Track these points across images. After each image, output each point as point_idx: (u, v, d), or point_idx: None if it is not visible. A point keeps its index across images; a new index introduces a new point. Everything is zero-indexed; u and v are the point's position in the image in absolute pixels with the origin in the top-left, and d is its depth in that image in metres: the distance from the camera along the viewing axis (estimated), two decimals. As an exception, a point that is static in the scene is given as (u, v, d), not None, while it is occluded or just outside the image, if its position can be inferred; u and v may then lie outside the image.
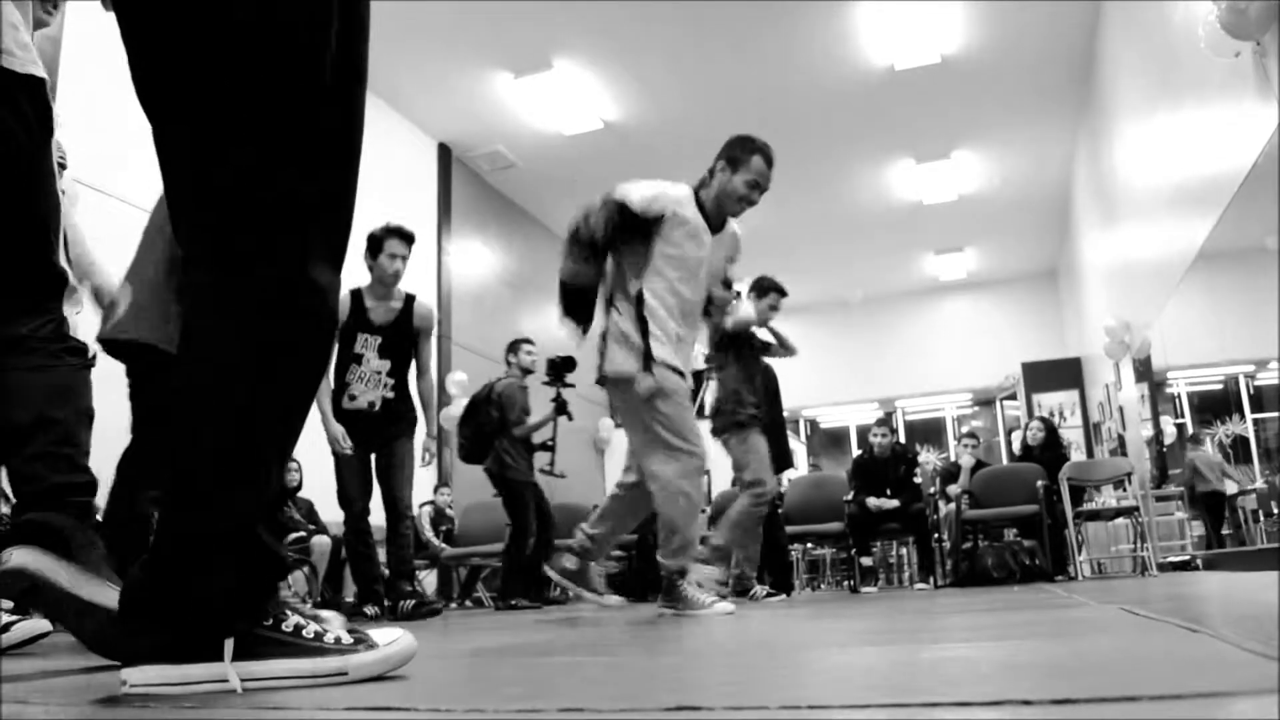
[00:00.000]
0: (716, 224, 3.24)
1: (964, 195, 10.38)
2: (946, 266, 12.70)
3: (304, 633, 1.12)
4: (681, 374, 3.09)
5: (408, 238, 4.41)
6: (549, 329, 7.22)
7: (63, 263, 1.78)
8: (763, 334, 5.22)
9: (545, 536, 5.63)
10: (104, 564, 1.58)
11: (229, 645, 1.07)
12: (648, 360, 3.01)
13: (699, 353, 5.40)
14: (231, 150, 1.07)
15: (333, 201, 1.16)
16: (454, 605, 7.20)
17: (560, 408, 5.72)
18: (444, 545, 7.08)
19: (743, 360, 5.00)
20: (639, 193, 3.08)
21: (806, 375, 9.86)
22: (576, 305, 3.14)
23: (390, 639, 1.16)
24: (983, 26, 7.28)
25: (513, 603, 5.44)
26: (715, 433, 4.85)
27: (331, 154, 1.15)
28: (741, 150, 3.24)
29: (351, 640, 1.13)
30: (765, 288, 5.24)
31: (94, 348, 2.45)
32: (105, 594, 1.47)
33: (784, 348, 5.33)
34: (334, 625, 1.17)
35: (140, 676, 1.06)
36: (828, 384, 12.98)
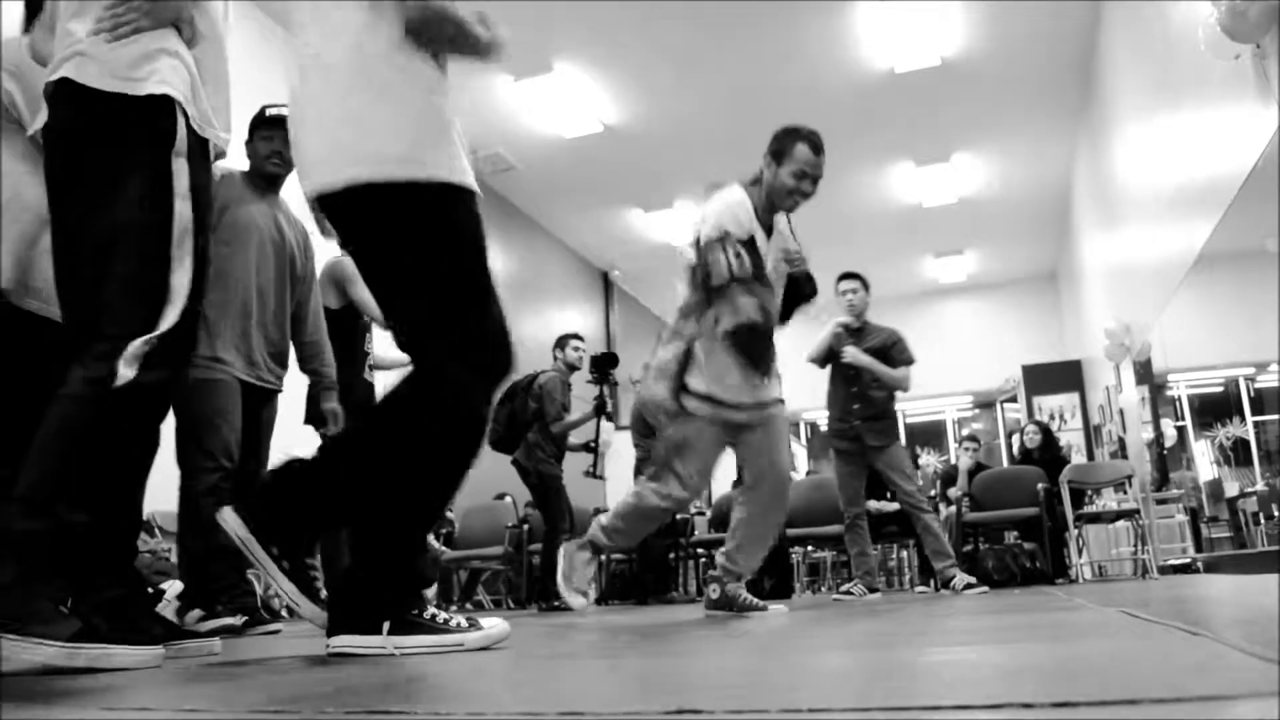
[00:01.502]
0: (769, 223, 3.10)
1: (964, 198, 10.39)
2: (946, 269, 12.69)
3: (437, 619, 1.70)
4: (729, 403, 3.01)
5: None
6: (548, 331, 7.23)
7: None
8: (850, 355, 5.06)
9: (568, 534, 5.61)
10: None
11: (386, 626, 1.64)
12: (679, 389, 2.97)
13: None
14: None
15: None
16: (454, 608, 7.20)
17: (600, 408, 5.67)
18: (444, 549, 7.08)
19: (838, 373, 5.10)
20: (731, 217, 2.97)
21: (806, 378, 9.81)
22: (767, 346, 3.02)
23: (491, 624, 1.74)
24: (983, 29, 7.29)
25: (556, 604, 5.34)
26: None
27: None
28: (786, 141, 3.07)
29: (467, 624, 1.72)
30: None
31: None
32: None
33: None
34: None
35: (340, 642, 1.65)
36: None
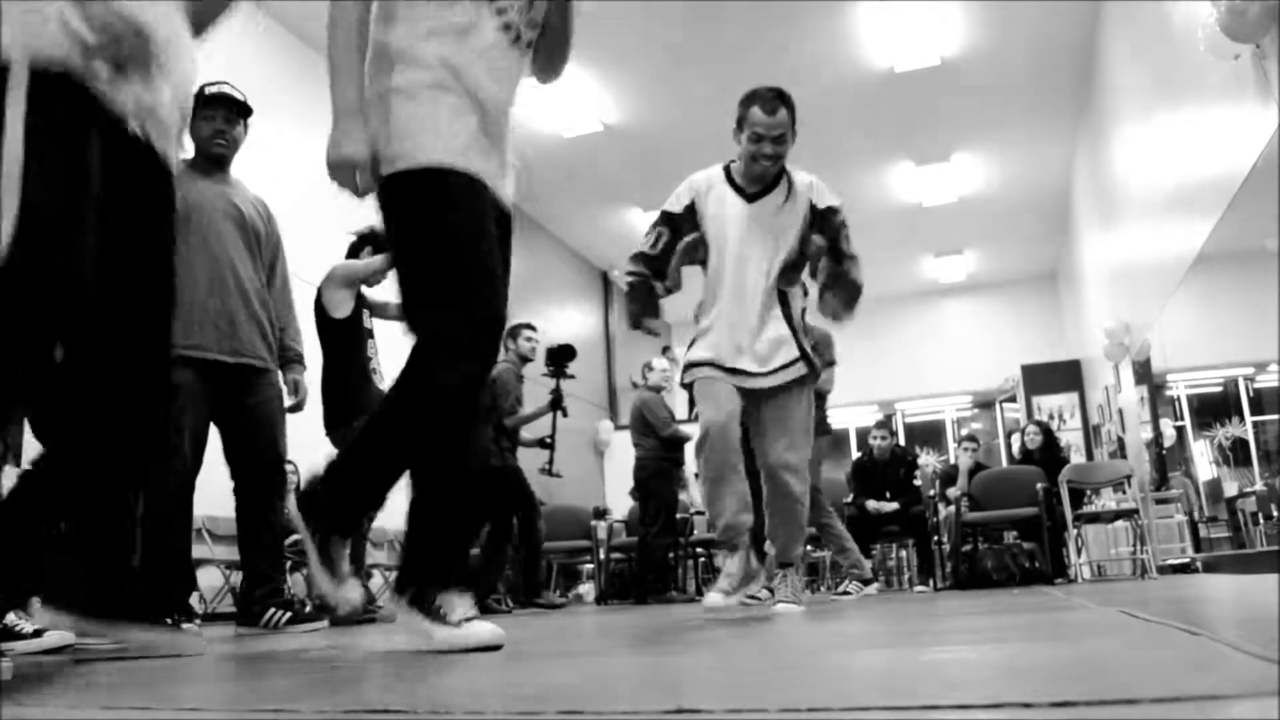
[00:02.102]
0: (755, 190, 3.17)
1: (963, 197, 10.39)
2: (946, 269, 12.69)
3: (439, 610, 1.69)
4: (715, 364, 3.02)
5: None
6: (547, 331, 7.23)
7: None
8: None
9: (533, 529, 5.39)
10: None
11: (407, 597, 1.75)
12: (687, 365, 3.04)
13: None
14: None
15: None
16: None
17: (555, 401, 5.51)
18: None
19: None
20: (673, 196, 3.19)
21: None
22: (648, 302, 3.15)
23: (474, 629, 1.68)
24: (982, 28, 7.29)
25: (538, 600, 5.18)
26: None
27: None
28: (741, 109, 3.23)
29: (458, 623, 1.69)
30: None
31: None
32: None
33: None
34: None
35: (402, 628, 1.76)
36: (827, 386, 12.96)
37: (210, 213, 3.17)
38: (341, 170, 1.78)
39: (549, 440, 5.54)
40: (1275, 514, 6.12)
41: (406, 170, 1.76)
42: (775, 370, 3.04)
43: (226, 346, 3.13)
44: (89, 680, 1.36)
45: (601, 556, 7.35)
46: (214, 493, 3.29)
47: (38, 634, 2.27)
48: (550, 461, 5.49)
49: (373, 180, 1.81)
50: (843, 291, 3.20)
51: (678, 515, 6.82)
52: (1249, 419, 6.73)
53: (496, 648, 1.67)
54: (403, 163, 1.76)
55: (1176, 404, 7.34)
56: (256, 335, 3.22)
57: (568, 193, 9.83)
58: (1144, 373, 7.49)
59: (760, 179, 3.14)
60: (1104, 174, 8.00)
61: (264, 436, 3.21)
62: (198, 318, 3.07)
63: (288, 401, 3.46)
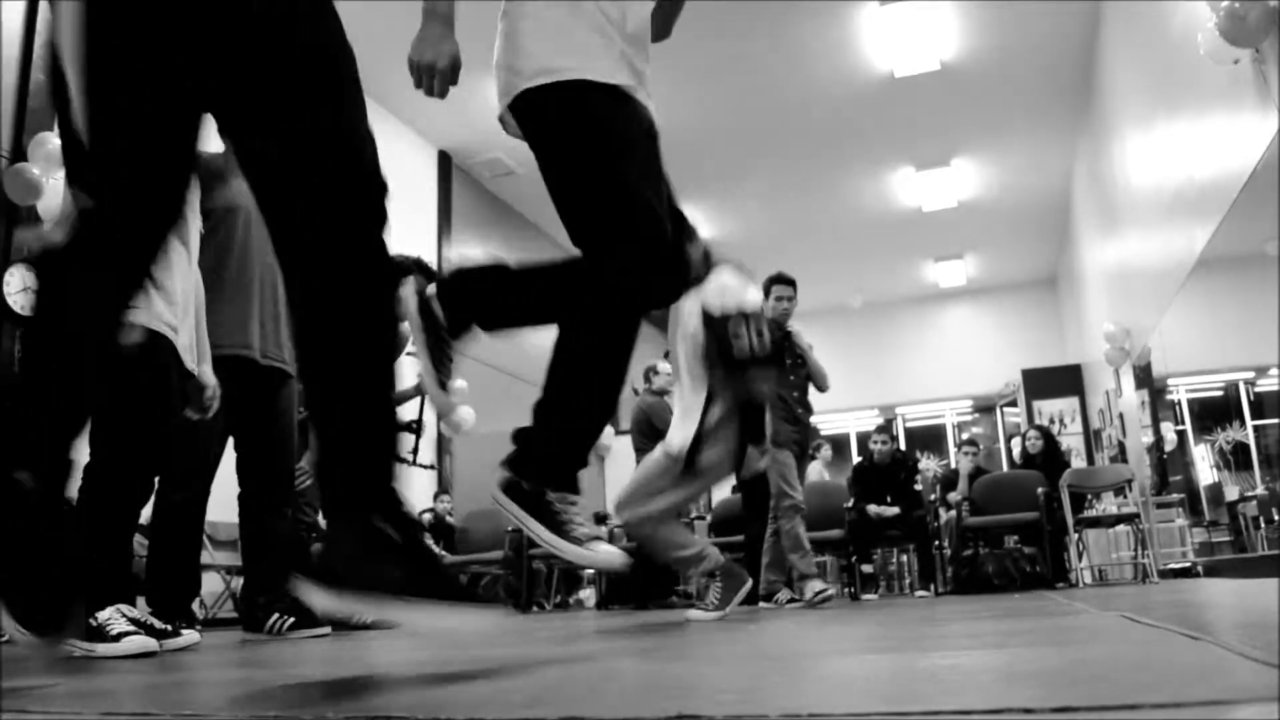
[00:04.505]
0: None
1: (964, 202, 10.40)
2: (946, 273, 12.70)
3: (564, 514, 1.65)
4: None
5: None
6: (549, 334, 7.21)
7: None
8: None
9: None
10: None
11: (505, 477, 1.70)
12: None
13: None
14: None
15: None
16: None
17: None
18: (444, 553, 7.07)
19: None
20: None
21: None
22: None
23: (602, 549, 1.68)
24: (982, 34, 7.30)
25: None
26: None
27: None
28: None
29: (584, 539, 1.65)
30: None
31: None
32: None
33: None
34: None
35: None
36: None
37: (244, 213, 3.12)
38: (422, 72, 1.77)
39: (415, 426, 5.15)
40: (1276, 518, 6.12)
41: (544, 86, 1.78)
42: None
43: (264, 347, 3.11)
44: (91, 684, 1.36)
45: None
46: (213, 498, 3.29)
47: (119, 638, 2.26)
48: (415, 450, 5.09)
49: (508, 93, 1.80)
50: None
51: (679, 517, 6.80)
52: (1249, 423, 6.72)
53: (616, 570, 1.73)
54: (538, 80, 1.79)
55: (1177, 408, 7.33)
56: (285, 339, 3.17)
57: (568, 197, 9.83)
58: (1145, 377, 7.49)
59: None
60: (1104, 178, 8.01)
61: (281, 447, 3.19)
62: (241, 316, 3.04)
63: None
